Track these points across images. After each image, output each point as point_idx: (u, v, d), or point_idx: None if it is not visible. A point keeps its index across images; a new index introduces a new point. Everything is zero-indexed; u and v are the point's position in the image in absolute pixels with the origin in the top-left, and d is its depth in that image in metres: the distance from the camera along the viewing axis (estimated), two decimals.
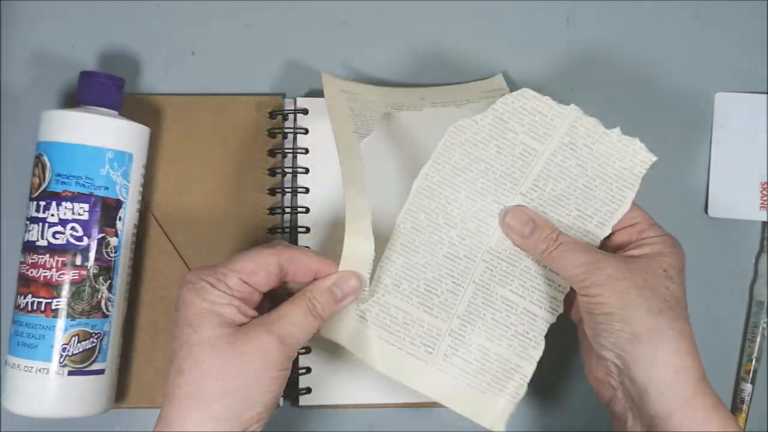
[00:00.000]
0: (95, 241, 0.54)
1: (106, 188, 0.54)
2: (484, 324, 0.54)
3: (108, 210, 0.54)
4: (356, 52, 0.62)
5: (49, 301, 0.53)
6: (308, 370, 0.59)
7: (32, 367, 0.53)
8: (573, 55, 0.63)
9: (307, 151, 0.60)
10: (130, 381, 0.58)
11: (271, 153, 0.60)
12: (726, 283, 0.62)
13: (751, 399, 0.61)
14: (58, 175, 0.53)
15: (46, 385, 0.53)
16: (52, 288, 0.53)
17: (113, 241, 0.55)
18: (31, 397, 0.53)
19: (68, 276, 0.53)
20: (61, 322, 0.53)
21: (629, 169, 0.53)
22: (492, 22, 0.63)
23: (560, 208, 0.53)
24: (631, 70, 0.63)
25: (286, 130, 0.60)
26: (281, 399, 0.59)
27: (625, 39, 0.63)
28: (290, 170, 0.60)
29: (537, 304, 0.54)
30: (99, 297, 0.54)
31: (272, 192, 0.60)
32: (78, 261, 0.53)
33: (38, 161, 0.54)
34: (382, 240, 0.53)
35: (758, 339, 0.61)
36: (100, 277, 0.54)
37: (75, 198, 0.53)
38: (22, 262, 0.54)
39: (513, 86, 0.62)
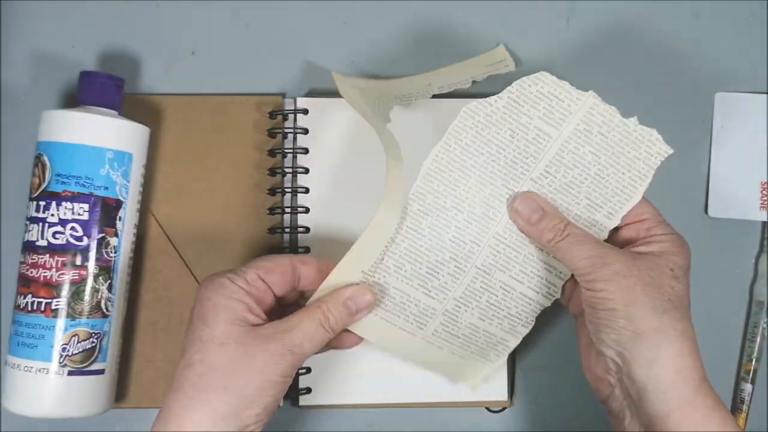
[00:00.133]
0: (95, 241, 0.54)
1: (106, 188, 0.54)
2: (479, 306, 0.54)
3: (108, 210, 0.54)
4: (357, 52, 0.62)
5: (49, 301, 0.53)
6: (308, 370, 0.59)
7: (32, 367, 0.53)
8: (573, 55, 0.63)
9: (307, 151, 0.60)
10: (130, 381, 0.58)
11: (271, 153, 0.60)
12: (726, 283, 0.62)
13: (751, 399, 0.61)
14: (58, 175, 0.53)
15: (46, 385, 0.53)
16: (52, 288, 0.53)
17: (113, 241, 0.55)
18: (31, 397, 0.53)
19: (68, 276, 0.53)
20: (61, 322, 0.53)
21: (643, 160, 0.52)
22: (492, 22, 0.63)
23: (570, 196, 0.53)
24: (631, 70, 0.63)
25: (286, 130, 0.60)
26: (281, 399, 0.59)
27: (625, 39, 0.63)
28: (290, 170, 0.60)
29: (534, 289, 0.54)
30: (99, 297, 0.54)
31: (272, 192, 0.60)
32: (78, 261, 0.53)
33: (38, 161, 0.54)
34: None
35: (758, 339, 0.61)
36: (100, 277, 0.54)
37: (75, 198, 0.53)
38: (22, 262, 0.54)
39: (514, 57, 0.62)
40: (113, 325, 0.55)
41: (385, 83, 0.61)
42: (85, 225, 0.53)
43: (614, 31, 0.63)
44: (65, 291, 0.53)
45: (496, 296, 0.54)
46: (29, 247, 0.54)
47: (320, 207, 0.60)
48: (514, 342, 0.55)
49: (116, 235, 0.55)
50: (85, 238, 0.53)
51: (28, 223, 0.54)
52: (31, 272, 0.53)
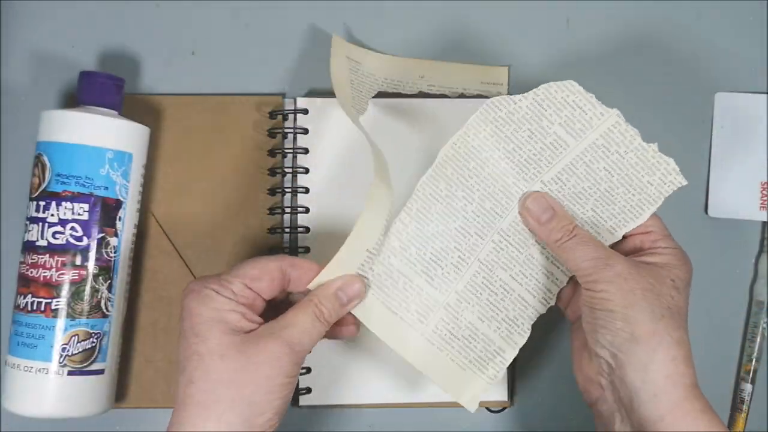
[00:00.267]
0: (95, 241, 0.54)
1: (106, 188, 0.54)
2: (479, 303, 0.54)
3: (108, 210, 0.54)
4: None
5: (49, 301, 0.53)
6: (308, 370, 0.59)
7: (32, 367, 0.53)
8: (573, 55, 0.63)
9: (307, 151, 0.60)
10: (130, 381, 0.58)
11: (271, 153, 0.60)
12: (726, 283, 0.62)
13: (751, 399, 0.61)
14: (58, 175, 0.53)
15: (46, 385, 0.53)
16: (52, 288, 0.53)
17: (113, 241, 0.55)
18: (31, 397, 0.53)
19: (68, 276, 0.53)
20: (60, 322, 0.53)
21: (656, 186, 0.53)
22: (492, 22, 0.63)
23: (577, 206, 0.53)
24: (631, 70, 0.63)
25: (286, 130, 0.60)
26: (290, 400, 0.59)
27: (625, 39, 0.63)
28: (290, 170, 0.60)
29: (531, 293, 0.54)
30: (99, 297, 0.54)
31: (272, 192, 0.60)
32: (78, 261, 0.53)
33: (38, 161, 0.54)
34: (397, 204, 0.54)
35: (758, 339, 0.61)
36: (100, 277, 0.54)
37: (75, 198, 0.53)
38: (22, 262, 0.54)
39: (512, 85, 0.62)
40: (113, 325, 0.55)
41: (384, 59, 0.61)
42: (85, 225, 0.53)
43: (614, 31, 0.63)
44: (65, 291, 0.53)
45: (496, 295, 0.54)
46: (29, 247, 0.54)
47: (320, 207, 0.60)
48: (510, 353, 0.55)
49: (116, 235, 0.55)
50: (85, 238, 0.53)
51: (28, 223, 0.54)
52: (31, 272, 0.53)
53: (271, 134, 0.60)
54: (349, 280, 0.51)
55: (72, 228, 0.53)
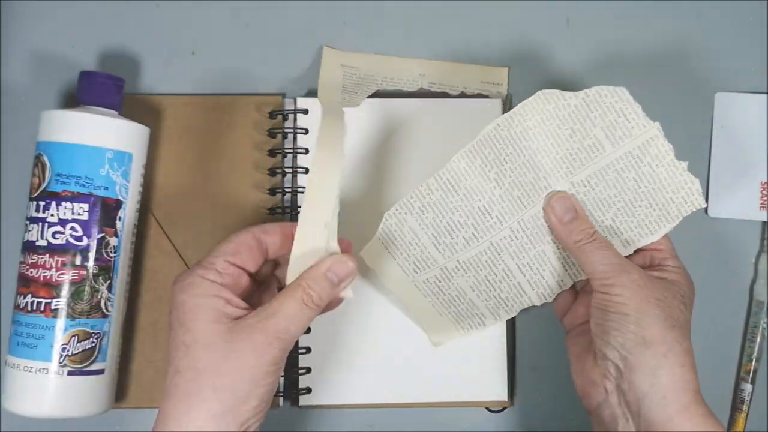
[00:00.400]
0: (95, 241, 0.54)
1: (106, 188, 0.54)
2: (476, 277, 0.56)
3: (108, 210, 0.54)
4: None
5: (49, 301, 0.53)
6: (308, 370, 0.59)
7: (32, 367, 0.53)
8: (573, 55, 0.63)
9: (307, 151, 0.60)
10: (130, 381, 0.58)
11: (271, 153, 0.60)
12: (726, 283, 0.62)
13: (751, 399, 0.61)
14: (58, 175, 0.53)
15: (46, 385, 0.53)
16: (52, 288, 0.53)
17: (113, 241, 0.55)
18: (31, 397, 0.53)
19: (68, 276, 0.53)
20: (60, 322, 0.53)
21: (677, 205, 0.53)
22: (492, 22, 0.63)
23: (598, 212, 0.54)
24: (630, 70, 0.63)
25: (286, 130, 0.60)
26: (281, 399, 0.59)
27: (625, 39, 0.63)
28: (290, 170, 0.60)
29: (532, 286, 0.56)
30: (99, 297, 0.54)
31: (272, 192, 0.60)
32: (78, 261, 0.53)
33: (38, 161, 0.54)
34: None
35: (758, 339, 0.61)
36: (100, 277, 0.54)
37: (75, 198, 0.53)
38: (22, 262, 0.54)
39: (512, 86, 0.62)
40: (113, 325, 0.55)
41: (382, 60, 0.62)
42: (85, 225, 0.53)
43: (614, 31, 0.63)
44: (65, 291, 0.53)
45: (495, 276, 0.56)
46: (29, 247, 0.54)
47: None
48: (491, 321, 0.57)
49: (116, 235, 0.55)
50: (84, 238, 0.53)
51: (28, 223, 0.54)
52: (31, 272, 0.53)
53: (271, 134, 0.60)
54: (339, 259, 0.49)
55: (72, 228, 0.53)
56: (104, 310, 0.54)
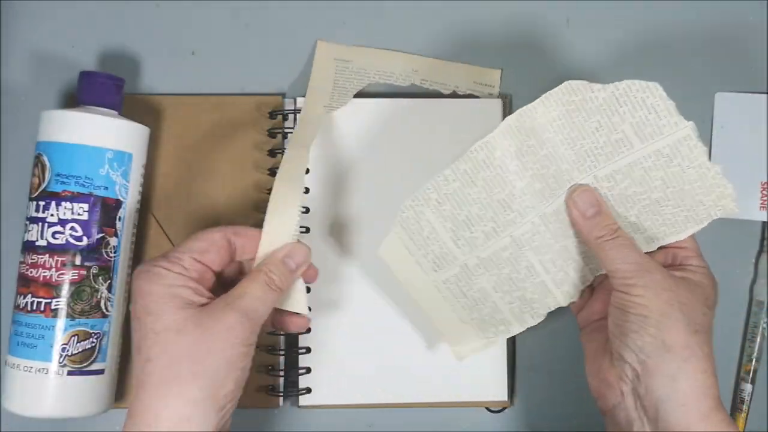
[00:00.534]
0: (95, 241, 0.54)
1: (106, 188, 0.54)
2: (498, 276, 0.53)
3: (108, 210, 0.54)
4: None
5: (49, 301, 0.53)
6: (308, 370, 0.59)
7: (32, 367, 0.53)
8: (573, 55, 0.63)
9: None
10: (130, 381, 0.58)
11: (271, 153, 0.60)
12: (726, 283, 0.62)
13: (751, 399, 0.61)
14: (58, 175, 0.53)
15: (46, 385, 0.53)
16: (52, 288, 0.53)
17: (113, 241, 0.55)
18: (31, 397, 0.53)
19: (68, 276, 0.53)
20: (60, 322, 0.53)
21: (707, 208, 0.52)
22: (492, 22, 0.63)
23: (622, 208, 0.52)
24: (631, 70, 0.63)
25: (286, 130, 0.60)
26: (281, 399, 0.59)
27: (625, 39, 0.63)
28: None
29: (556, 284, 0.54)
30: (98, 297, 0.54)
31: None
32: (77, 261, 0.53)
33: (38, 161, 0.54)
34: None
35: (758, 339, 0.61)
36: (100, 277, 0.54)
37: (74, 198, 0.53)
38: (21, 262, 0.54)
39: (506, 87, 0.62)
40: (113, 325, 0.55)
41: (376, 53, 0.62)
42: (85, 225, 0.53)
43: (614, 31, 0.63)
44: (65, 291, 0.53)
45: (518, 274, 0.53)
46: (29, 247, 0.54)
47: (320, 207, 0.60)
48: (516, 329, 0.55)
49: (116, 235, 0.55)
50: (84, 238, 0.53)
51: (27, 223, 0.54)
52: (31, 272, 0.53)
53: (271, 134, 0.60)
54: (294, 247, 0.51)
55: (72, 228, 0.53)
56: (104, 310, 0.54)
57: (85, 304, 0.53)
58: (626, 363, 0.49)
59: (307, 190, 0.60)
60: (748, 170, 0.62)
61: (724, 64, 0.63)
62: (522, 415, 0.61)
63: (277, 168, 0.60)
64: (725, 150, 0.62)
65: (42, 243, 0.53)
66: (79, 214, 0.53)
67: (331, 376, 0.59)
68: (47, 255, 0.53)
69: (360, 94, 0.60)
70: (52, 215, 0.53)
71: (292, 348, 0.59)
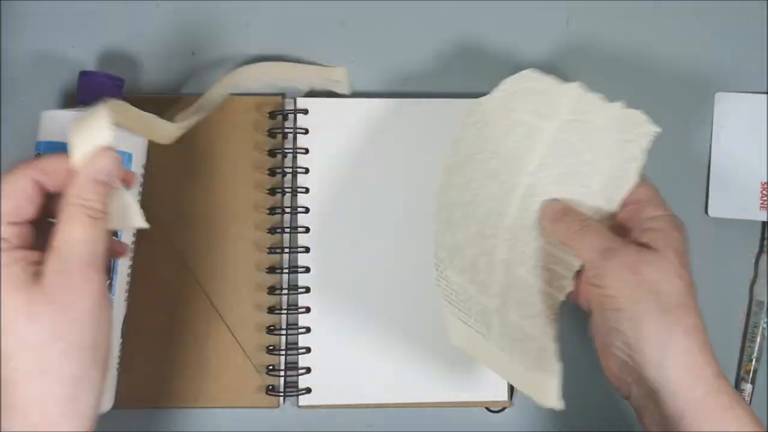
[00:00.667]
0: None
1: None
2: (513, 303, 0.53)
3: None
4: (356, 52, 0.62)
5: None
6: (308, 370, 0.59)
7: None
8: (573, 55, 0.63)
9: (307, 151, 0.60)
10: (130, 381, 0.58)
11: (271, 153, 0.60)
12: (726, 283, 0.62)
13: (751, 399, 0.61)
14: None
15: None
16: None
17: None
18: None
19: None
20: None
21: (634, 143, 0.51)
22: (492, 22, 0.63)
23: (568, 186, 0.52)
24: (631, 70, 0.63)
25: (286, 130, 0.60)
26: (281, 399, 0.59)
27: (625, 39, 0.63)
28: (290, 170, 0.60)
29: (547, 284, 0.53)
30: None
31: (272, 192, 0.60)
32: None
33: None
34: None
35: (758, 339, 0.61)
36: None
37: None
38: None
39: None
40: (113, 325, 0.55)
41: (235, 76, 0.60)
42: None
43: (614, 31, 0.63)
44: None
45: (522, 292, 0.53)
46: None
47: (320, 207, 0.60)
48: (551, 345, 0.52)
49: (116, 235, 0.55)
50: None
51: None
52: None
53: (271, 134, 0.60)
54: (96, 157, 0.44)
55: None
56: None
57: None
58: (620, 358, 0.48)
59: (306, 190, 0.60)
60: (748, 170, 0.62)
61: (724, 64, 0.63)
62: (522, 415, 0.61)
63: (278, 168, 0.60)
64: (725, 150, 0.62)
65: None
66: None
67: (331, 376, 0.59)
68: None
69: (356, 95, 0.61)
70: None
71: (292, 348, 0.59)
